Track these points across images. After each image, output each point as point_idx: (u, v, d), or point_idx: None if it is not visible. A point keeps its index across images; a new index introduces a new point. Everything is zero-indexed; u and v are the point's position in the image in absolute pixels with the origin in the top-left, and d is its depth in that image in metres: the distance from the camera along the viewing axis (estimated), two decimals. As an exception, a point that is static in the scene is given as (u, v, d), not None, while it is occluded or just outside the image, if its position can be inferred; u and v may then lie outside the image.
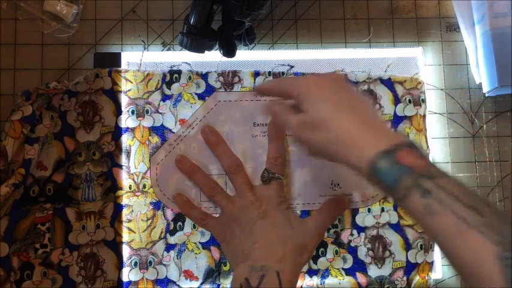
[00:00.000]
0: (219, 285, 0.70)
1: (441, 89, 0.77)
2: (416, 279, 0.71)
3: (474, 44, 0.76)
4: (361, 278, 0.71)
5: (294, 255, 0.61)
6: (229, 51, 0.70)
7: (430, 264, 0.72)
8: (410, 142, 0.50)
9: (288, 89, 0.59)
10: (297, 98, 0.57)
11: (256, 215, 0.65)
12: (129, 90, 0.72)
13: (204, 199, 0.70)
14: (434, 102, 0.76)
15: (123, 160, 0.71)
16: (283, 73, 0.73)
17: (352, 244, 0.72)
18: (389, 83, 0.74)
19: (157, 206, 0.70)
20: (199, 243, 0.70)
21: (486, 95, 0.76)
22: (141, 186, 0.70)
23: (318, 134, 0.53)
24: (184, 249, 0.70)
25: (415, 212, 0.47)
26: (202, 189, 0.69)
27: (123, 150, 0.71)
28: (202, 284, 0.70)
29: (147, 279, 0.69)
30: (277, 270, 0.58)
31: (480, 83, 0.76)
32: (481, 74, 0.76)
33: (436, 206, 0.45)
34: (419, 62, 0.75)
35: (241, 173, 0.69)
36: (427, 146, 0.74)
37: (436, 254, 0.73)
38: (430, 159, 0.74)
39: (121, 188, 0.70)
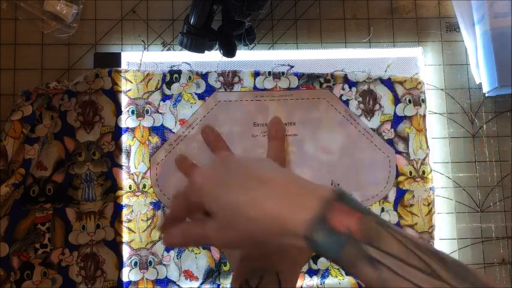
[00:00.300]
0: (219, 285, 0.70)
1: (441, 89, 0.77)
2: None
3: (474, 44, 0.76)
4: (361, 278, 0.71)
5: (293, 256, 0.61)
6: (229, 51, 0.70)
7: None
8: (337, 193, 0.43)
9: (183, 196, 0.51)
10: (197, 201, 0.50)
11: (244, 188, 0.57)
12: (129, 90, 0.72)
13: None
14: (434, 102, 0.76)
15: (123, 160, 0.71)
16: (283, 73, 0.73)
17: (352, 244, 0.72)
18: (389, 83, 0.74)
19: (157, 206, 0.70)
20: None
21: (486, 95, 0.76)
22: (141, 186, 0.70)
23: (240, 231, 0.46)
24: (184, 249, 0.70)
25: (369, 282, 0.41)
26: None
27: (123, 150, 0.71)
28: (202, 284, 0.70)
29: (147, 279, 0.69)
30: (277, 271, 0.58)
31: (480, 83, 0.76)
32: (481, 74, 0.76)
33: (388, 275, 0.40)
34: (419, 62, 0.75)
35: None
36: (427, 146, 0.74)
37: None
38: (430, 159, 0.74)
39: (121, 188, 0.70)
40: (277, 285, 0.56)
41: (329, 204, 0.42)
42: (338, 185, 0.72)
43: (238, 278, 0.58)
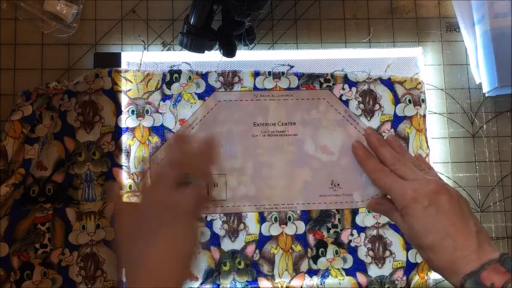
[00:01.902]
0: (218, 285, 0.70)
1: (441, 89, 0.77)
2: (416, 279, 0.71)
3: (474, 44, 0.76)
4: (362, 278, 0.71)
5: (180, 278, 0.56)
6: (229, 51, 0.70)
7: (430, 264, 0.72)
8: (501, 257, 0.54)
9: (388, 190, 0.63)
10: (400, 208, 0.61)
11: (159, 222, 0.56)
12: (129, 90, 0.72)
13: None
14: (434, 102, 0.76)
15: (123, 160, 0.71)
16: (283, 73, 0.73)
17: (352, 244, 0.72)
18: (389, 83, 0.74)
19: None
20: (199, 243, 0.70)
21: (486, 95, 0.76)
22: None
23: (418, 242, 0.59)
24: (184, 249, 0.70)
25: None
26: None
27: (123, 150, 0.71)
28: (202, 284, 0.70)
29: (147, 279, 0.69)
30: None
31: (480, 83, 0.76)
32: (481, 74, 0.76)
33: None
34: (419, 62, 0.75)
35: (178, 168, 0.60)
36: (427, 146, 0.74)
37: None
38: (430, 159, 0.74)
39: (121, 188, 0.70)
40: None
41: (489, 263, 0.54)
42: (338, 184, 0.72)
43: None
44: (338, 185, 0.72)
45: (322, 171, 0.72)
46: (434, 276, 0.72)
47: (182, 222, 0.57)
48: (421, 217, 0.59)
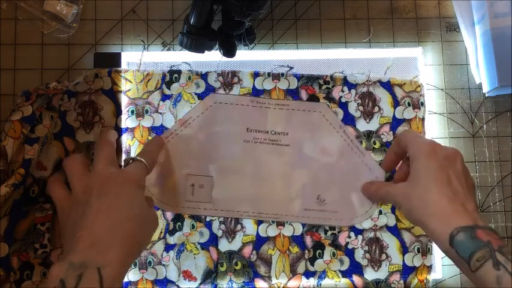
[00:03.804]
0: (216, 285, 0.70)
1: (441, 89, 0.77)
2: (415, 282, 0.71)
3: (474, 44, 0.76)
4: (358, 281, 0.71)
5: (122, 246, 0.54)
6: (229, 51, 0.70)
7: (429, 268, 0.72)
8: (491, 228, 0.54)
9: (406, 144, 0.64)
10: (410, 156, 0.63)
11: (96, 193, 0.57)
12: (128, 90, 0.72)
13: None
14: (434, 102, 0.76)
15: (123, 160, 0.71)
16: (282, 74, 0.73)
17: (350, 246, 0.72)
18: (388, 86, 0.74)
19: (156, 206, 0.70)
20: (198, 243, 0.71)
21: (486, 95, 0.76)
22: (140, 186, 0.70)
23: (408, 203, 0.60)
24: (184, 250, 0.70)
25: (486, 282, 0.50)
26: None
27: (123, 150, 0.71)
28: (200, 284, 0.70)
29: (146, 279, 0.70)
30: (99, 266, 0.50)
31: (480, 83, 0.76)
32: (481, 74, 0.75)
33: (508, 278, 0.49)
34: (419, 62, 0.75)
35: (110, 147, 0.65)
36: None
37: (435, 256, 0.73)
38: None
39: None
40: (98, 285, 0.50)
41: (483, 227, 0.53)
42: (324, 200, 0.71)
43: (52, 280, 0.50)
44: (324, 200, 0.72)
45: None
46: (433, 277, 0.72)
47: (123, 189, 0.58)
48: (424, 170, 0.60)
